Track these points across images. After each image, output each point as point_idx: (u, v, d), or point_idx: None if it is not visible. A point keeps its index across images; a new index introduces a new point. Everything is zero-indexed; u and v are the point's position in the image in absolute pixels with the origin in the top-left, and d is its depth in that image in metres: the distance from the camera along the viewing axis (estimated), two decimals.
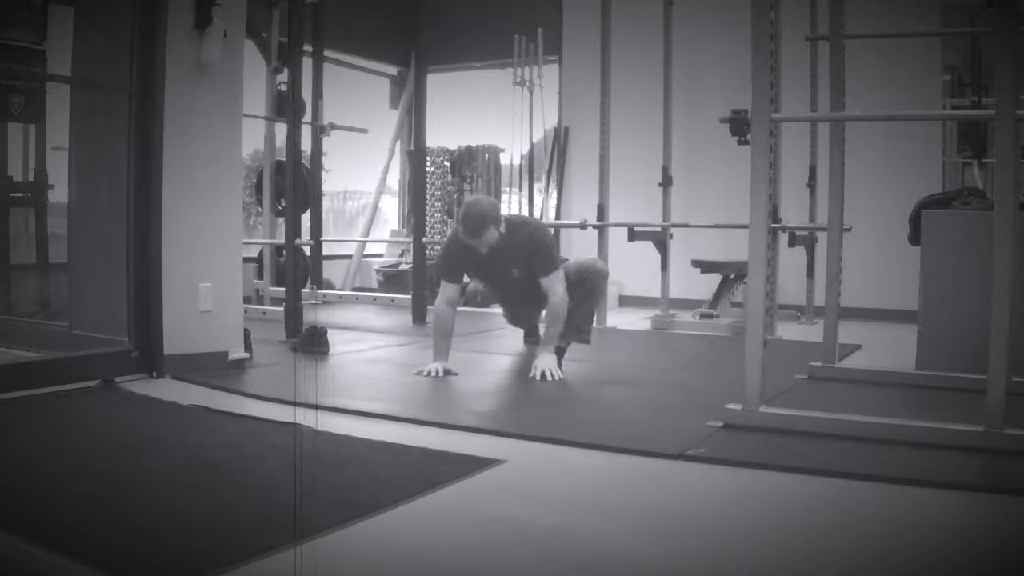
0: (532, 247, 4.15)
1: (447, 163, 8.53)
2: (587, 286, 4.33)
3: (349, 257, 8.80)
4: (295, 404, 3.45)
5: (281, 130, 6.36)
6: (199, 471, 2.53)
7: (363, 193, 9.52)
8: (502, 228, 4.11)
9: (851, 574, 1.92)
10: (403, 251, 8.68)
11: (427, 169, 8.09)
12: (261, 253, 7.18)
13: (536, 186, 7.87)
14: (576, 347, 4.35)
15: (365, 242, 8.95)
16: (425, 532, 2.12)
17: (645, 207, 6.59)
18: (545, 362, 4.00)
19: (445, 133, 8.45)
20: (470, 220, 4.01)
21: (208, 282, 4.04)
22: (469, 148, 8.49)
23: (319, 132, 7.37)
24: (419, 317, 6.16)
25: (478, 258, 4.16)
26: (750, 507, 2.37)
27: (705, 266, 6.29)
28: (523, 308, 4.77)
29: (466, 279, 4.42)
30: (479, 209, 4.05)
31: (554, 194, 8.02)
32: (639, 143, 6.89)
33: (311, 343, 4.67)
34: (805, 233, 6.04)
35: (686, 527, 2.19)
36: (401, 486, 2.39)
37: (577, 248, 6.97)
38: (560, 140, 7.91)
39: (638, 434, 3.03)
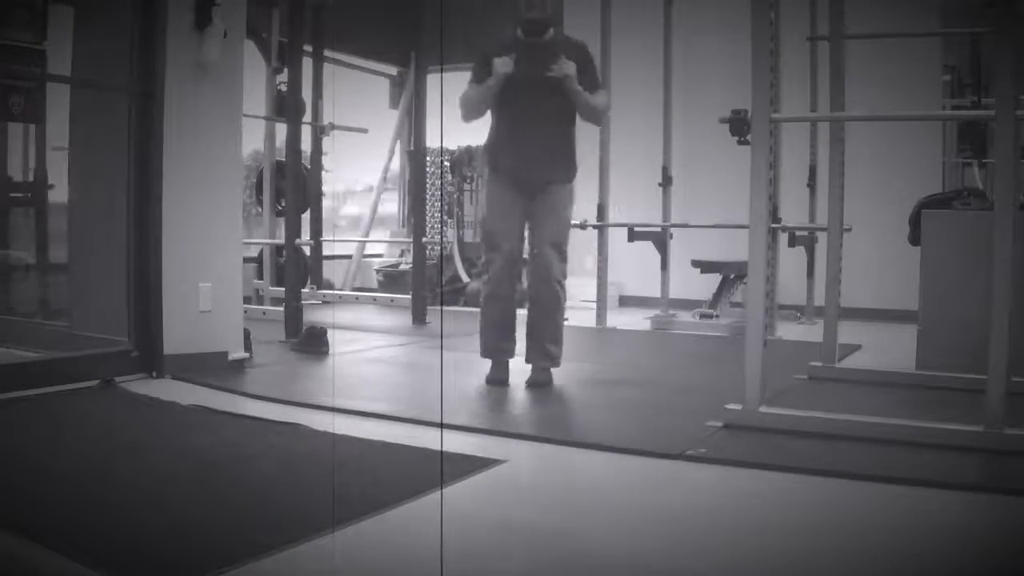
0: (583, 59, 3.78)
1: (447, 163, 8.52)
2: (542, 303, 3.81)
3: (349, 257, 8.80)
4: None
5: (281, 130, 6.36)
6: (199, 471, 2.53)
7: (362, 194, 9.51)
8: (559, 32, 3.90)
9: (851, 574, 1.92)
10: (403, 251, 8.67)
11: (427, 169, 8.09)
12: (261, 253, 7.18)
13: None
14: (575, 347, 4.34)
15: (365, 242, 8.95)
16: (425, 532, 2.12)
17: (645, 207, 6.58)
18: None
19: (445, 133, 8.42)
20: None
21: (208, 282, 4.03)
22: (469, 148, 8.47)
23: (319, 132, 7.37)
24: (419, 317, 6.16)
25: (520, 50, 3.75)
26: (750, 507, 2.36)
27: (705, 266, 6.29)
28: (537, 151, 4.02)
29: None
30: None
31: None
32: (639, 143, 6.88)
33: (312, 343, 4.67)
34: (805, 233, 6.03)
35: (686, 527, 2.19)
36: (401, 486, 2.39)
37: (577, 248, 6.96)
38: None
39: (638, 434, 3.04)
